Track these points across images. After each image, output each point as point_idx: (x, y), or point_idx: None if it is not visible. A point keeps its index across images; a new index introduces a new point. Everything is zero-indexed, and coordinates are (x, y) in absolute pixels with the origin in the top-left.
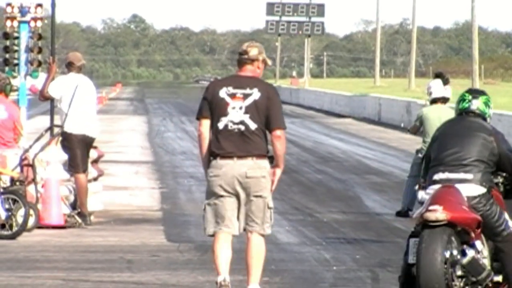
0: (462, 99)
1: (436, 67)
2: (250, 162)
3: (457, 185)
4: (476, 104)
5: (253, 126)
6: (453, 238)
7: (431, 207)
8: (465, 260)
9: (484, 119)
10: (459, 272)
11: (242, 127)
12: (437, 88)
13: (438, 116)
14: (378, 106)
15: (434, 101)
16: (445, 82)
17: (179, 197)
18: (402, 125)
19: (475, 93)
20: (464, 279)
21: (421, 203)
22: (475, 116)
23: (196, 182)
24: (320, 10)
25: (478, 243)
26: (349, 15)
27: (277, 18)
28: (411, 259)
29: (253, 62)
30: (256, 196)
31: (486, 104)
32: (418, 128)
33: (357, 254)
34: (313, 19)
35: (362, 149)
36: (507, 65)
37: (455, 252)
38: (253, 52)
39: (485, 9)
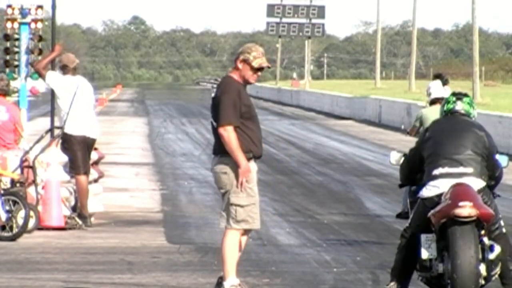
0: (447, 102)
1: (436, 69)
2: (216, 158)
3: (460, 180)
4: (461, 105)
5: (215, 123)
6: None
7: (461, 203)
8: (492, 255)
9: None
10: (483, 268)
11: (215, 124)
12: (437, 88)
13: (438, 116)
14: (379, 108)
15: (433, 101)
16: (444, 82)
17: (179, 199)
18: (402, 127)
19: (458, 95)
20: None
21: (413, 202)
22: (461, 116)
23: (197, 184)
24: (321, 11)
25: (485, 239)
26: (350, 17)
27: (277, 19)
28: (429, 254)
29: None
30: (222, 193)
31: (470, 104)
32: (417, 129)
33: (358, 256)
34: (314, 20)
35: (363, 151)
36: (508, 67)
37: (485, 247)
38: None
39: (486, 11)
